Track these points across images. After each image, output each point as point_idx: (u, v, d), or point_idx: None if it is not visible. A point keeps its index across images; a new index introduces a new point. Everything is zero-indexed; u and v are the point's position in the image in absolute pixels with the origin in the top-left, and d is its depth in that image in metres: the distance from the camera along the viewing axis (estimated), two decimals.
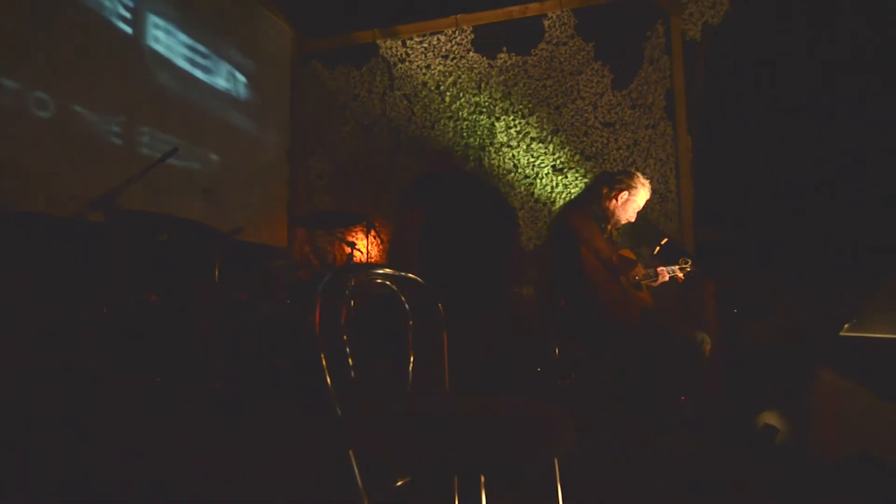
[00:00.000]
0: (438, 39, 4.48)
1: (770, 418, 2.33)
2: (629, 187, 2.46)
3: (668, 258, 2.70)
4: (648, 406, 2.32)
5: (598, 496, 1.90)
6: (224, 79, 4.09)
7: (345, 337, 1.11)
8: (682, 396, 3.11)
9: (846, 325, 0.88)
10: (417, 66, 4.54)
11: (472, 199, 2.21)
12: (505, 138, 4.31)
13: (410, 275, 1.15)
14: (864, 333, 0.90)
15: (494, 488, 1.85)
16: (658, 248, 2.77)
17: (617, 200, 2.49)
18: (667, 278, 2.53)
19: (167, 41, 3.59)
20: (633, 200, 2.49)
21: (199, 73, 3.85)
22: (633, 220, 2.57)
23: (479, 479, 0.90)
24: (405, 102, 4.58)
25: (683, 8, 3.86)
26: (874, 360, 1.88)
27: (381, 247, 4.50)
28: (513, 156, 4.29)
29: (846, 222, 3.37)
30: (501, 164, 4.31)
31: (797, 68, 3.64)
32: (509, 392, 1.21)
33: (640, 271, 2.40)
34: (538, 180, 4.22)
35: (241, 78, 4.27)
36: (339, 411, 1.02)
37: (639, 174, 2.51)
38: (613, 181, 2.49)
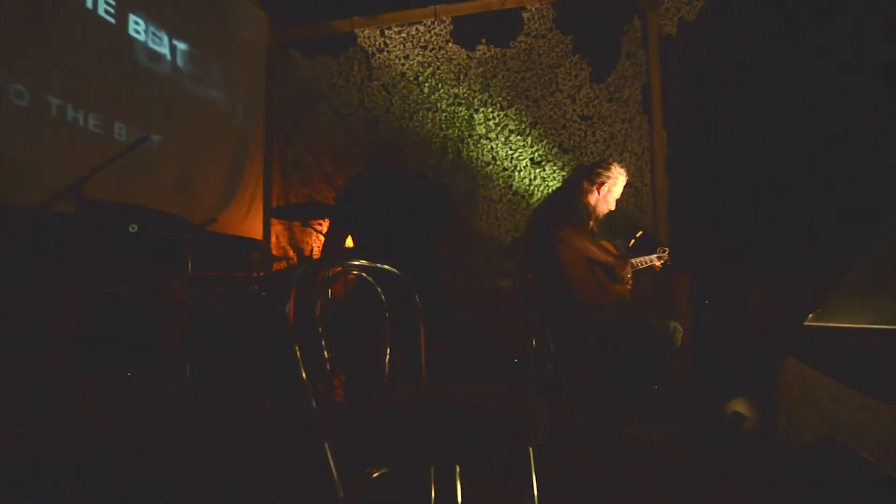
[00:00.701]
0: (417, 30, 4.44)
1: (739, 405, 2.40)
2: (608, 178, 2.49)
3: (643, 251, 2.75)
4: (623, 395, 2.37)
5: (573, 483, 1.93)
6: (197, 66, 3.98)
7: (320, 329, 1.10)
8: (656, 385, 3.18)
9: (810, 316, 0.91)
10: (396, 56, 4.49)
11: (404, 193, 2.20)
12: (483, 130, 4.31)
13: (386, 266, 1.14)
14: (827, 323, 0.93)
15: (471, 477, 1.87)
16: (633, 241, 2.81)
17: (599, 193, 2.52)
18: (646, 265, 2.59)
19: (138, 26, 3.48)
20: (613, 191, 2.53)
21: (170, 60, 3.74)
22: (613, 208, 2.61)
23: (455, 469, 0.90)
24: (383, 93, 4.53)
25: (660, 3, 3.91)
26: (837, 349, 1.95)
27: None
28: (491, 148, 4.29)
29: (813, 217, 3.47)
30: (480, 156, 4.31)
31: (771, 65, 3.72)
32: (487, 383, 1.22)
33: (629, 271, 2.43)
34: (516, 173, 4.24)
35: (216, 65, 4.16)
36: (314, 403, 1.01)
37: (614, 163, 2.55)
38: (592, 174, 2.51)
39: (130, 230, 2.55)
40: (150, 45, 3.57)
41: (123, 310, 2.79)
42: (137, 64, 3.46)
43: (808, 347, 2.04)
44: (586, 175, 2.54)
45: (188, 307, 2.72)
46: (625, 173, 2.56)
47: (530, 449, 1.00)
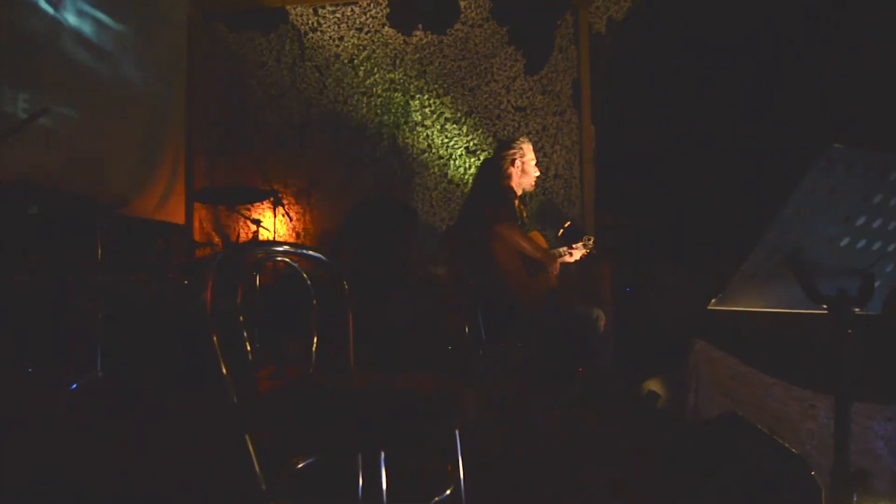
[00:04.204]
0: (353, 10, 4.32)
1: (654, 385, 2.58)
2: (519, 151, 2.60)
3: (571, 240, 2.86)
4: (549, 378, 2.47)
5: (500, 464, 2.00)
6: (106, 34, 3.65)
7: (241, 318, 1.06)
8: (580, 368, 3.34)
9: (713, 300, 0.98)
10: (330, 36, 4.35)
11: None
12: (419, 117, 4.28)
13: (311, 251, 1.11)
14: (727, 307, 1.01)
15: (398, 461, 1.88)
16: (562, 231, 2.92)
17: (516, 169, 2.61)
18: (575, 256, 2.71)
19: None
20: (527, 160, 2.63)
21: (74, 26, 3.40)
22: (538, 173, 2.72)
23: (380, 456, 0.90)
24: (317, 74, 4.38)
25: (591, 1, 4.03)
26: (736, 331, 2.14)
27: (290, 225, 4.31)
28: (427, 135, 4.28)
29: (724, 208, 3.74)
30: (416, 143, 4.29)
31: (693, 65, 3.94)
32: (421, 370, 1.23)
33: (557, 267, 2.55)
34: (452, 161, 4.26)
35: (128, 34, 3.83)
36: (234, 396, 0.97)
37: (517, 139, 2.66)
38: (507, 156, 2.60)
39: (29, 212, 2.32)
40: (51, 9, 3.22)
41: (22, 300, 2.54)
42: (35, 29, 3.12)
43: (714, 330, 2.22)
44: (500, 161, 2.62)
45: (98, 296, 2.52)
46: (527, 139, 2.69)
47: (456, 432, 1.01)
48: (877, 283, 0.99)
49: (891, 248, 0.98)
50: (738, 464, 1.64)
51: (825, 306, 0.95)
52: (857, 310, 0.95)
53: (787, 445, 1.64)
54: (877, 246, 0.97)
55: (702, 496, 1.59)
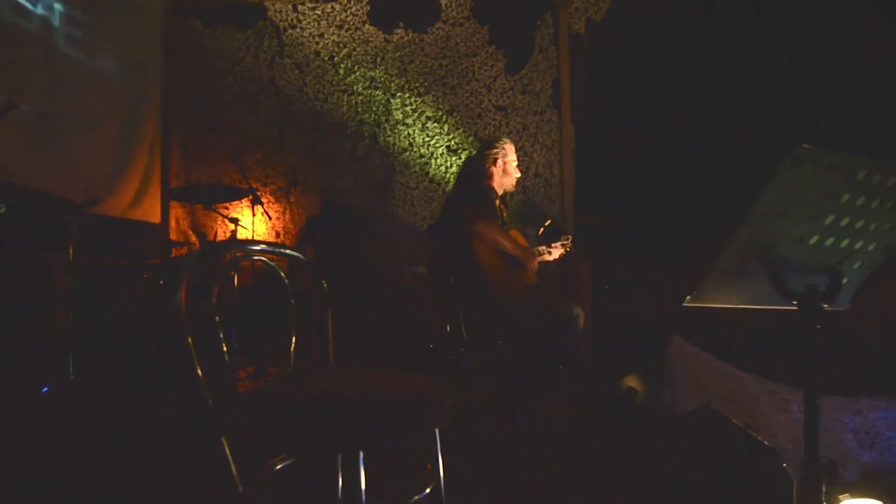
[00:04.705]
0: (333, 7, 4.28)
1: (632, 381, 2.61)
2: (501, 150, 2.59)
3: (551, 239, 2.88)
4: (529, 376, 2.48)
5: (481, 462, 2.00)
6: (76, 27, 3.55)
7: (217, 318, 1.04)
8: (560, 366, 3.37)
9: (688, 297, 1.00)
10: (310, 34, 4.31)
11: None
12: (400, 116, 4.27)
13: (290, 251, 1.09)
14: (701, 304, 1.03)
15: (379, 461, 1.87)
16: (542, 230, 2.94)
17: (498, 169, 2.61)
18: (553, 255, 2.72)
19: None
20: (509, 160, 2.63)
21: (43, 18, 3.30)
22: (519, 174, 2.71)
23: (359, 456, 0.90)
24: (296, 72, 4.33)
25: (570, 2, 4.07)
26: (710, 327, 2.18)
27: (268, 224, 4.26)
28: (408, 134, 4.27)
29: (700, 207, 3.82)
30: (397, 142, 4.27)
31: (669, 67, 4.00)
32: (403, 369, 1.23)
33: (536, 264, 2.55)
34: (433, 160, 4.25)
35: (100, 28, 3.72)
36: (209, 397, 0.95)
37: (499, 139, 2.66)
38: (489, 155, 2.60)
39: None
40: (22, 2, 3.12)
41: None
42: (5, 23, 3.02)
43: (689, 327, 2.27)
44: (482, 160, 2.62)
45: (69, 297, 2.45)
46: (509, 140, 2.68)
47: (436, 431, 1.01)
48: (845, 280, 1.01)
49: (858, 246, 1.01)
50: (713, 456, 1.67)
51: (795, 302, 0.98)
52: (825, 306, 0.97)
53: (759, 438, 1.68)
54: (844, 244, 1.00)
55: (677, 488, 1.62)
